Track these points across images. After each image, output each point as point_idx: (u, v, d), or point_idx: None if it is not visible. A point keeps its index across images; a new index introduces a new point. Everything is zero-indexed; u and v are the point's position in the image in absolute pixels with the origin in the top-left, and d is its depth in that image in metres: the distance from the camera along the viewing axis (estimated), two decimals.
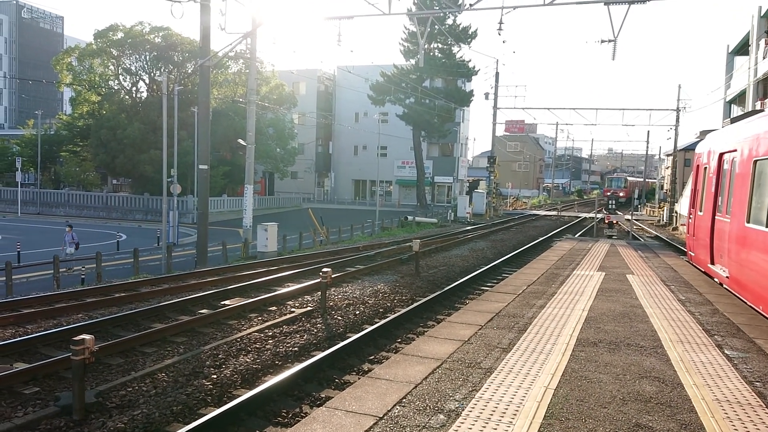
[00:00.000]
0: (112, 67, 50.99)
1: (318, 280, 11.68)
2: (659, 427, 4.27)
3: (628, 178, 73.70)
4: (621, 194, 62.45)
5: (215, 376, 7.45)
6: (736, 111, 37.10)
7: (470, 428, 4.16)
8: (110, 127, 47.04)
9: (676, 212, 39.32)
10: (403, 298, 12.87)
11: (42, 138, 54.30)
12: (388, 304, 12.14)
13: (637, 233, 30.19)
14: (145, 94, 52.46)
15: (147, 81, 51.79)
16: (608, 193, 62.70)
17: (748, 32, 34.64)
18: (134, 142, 46.18)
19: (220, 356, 8.29)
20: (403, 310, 11.01)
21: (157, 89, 48.44)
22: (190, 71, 48.38)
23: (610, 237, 24.85)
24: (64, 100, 79.98)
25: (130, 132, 46.11)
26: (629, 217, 28.99)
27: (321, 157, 67.75)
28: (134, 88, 52.90)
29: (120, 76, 51.71)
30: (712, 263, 10.67)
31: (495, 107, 45.03)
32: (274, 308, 11.37)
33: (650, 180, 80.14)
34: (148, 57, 49.93)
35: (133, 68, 51.41)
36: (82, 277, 17.37)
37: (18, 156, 50.19)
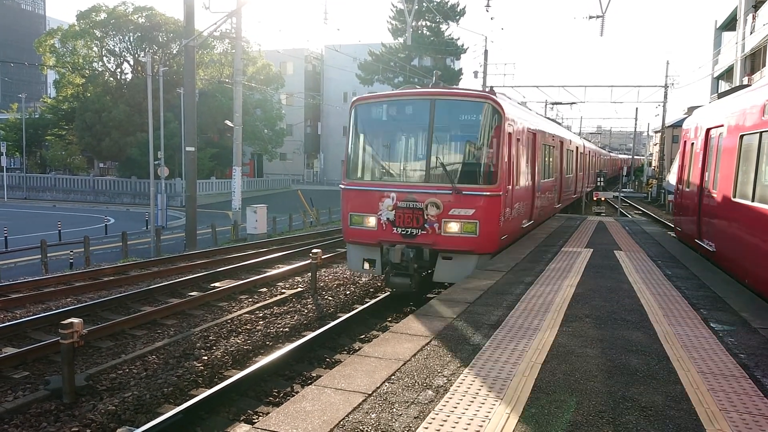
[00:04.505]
0: (95, 48, 50.19)
1: (308, 261, 11.68)
2: (645, 399, 4.33)
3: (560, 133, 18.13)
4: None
5: (206, 358, 7.47)
6: (724, 86, 37.15)
7: (458, 403, 4.20)
8: (95, 109, 46.45)
9: (664, 189, 39.57)
10: None
11: (27, 122, 53.59)
12: (379, 284, 12.18)
13: (625, 210, 30.38)
14: (129, 76, 51.74)
15: (131, 62, 51.05)
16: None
17: (736, 7, 34.60)
18: (120, 124, 45.66)
19: (210, 338, 8.30)
20: None
21: (141, 70, 47.76)
22: (174, 52, 47.73)
23: (598, 214, 24.98)
24: (48, 82, 78.78)
25: (115, 114, 45.57)
26: (617, 193, 29.13)
27: (310, 138, 67.27)
28: (119, 70, 52.17)
29: (104, 57, 50.94)
30: (699, 238, 10.76)
31: (484, 85, 44.77)
32: (264, 290, 11.37)
33: (638, 157, 78.41)
34: (132, 38, 49.17)
35: (117, 49, 50.65)
36: (71, 261, 17.27)
37: (2, 141, 49.50)
